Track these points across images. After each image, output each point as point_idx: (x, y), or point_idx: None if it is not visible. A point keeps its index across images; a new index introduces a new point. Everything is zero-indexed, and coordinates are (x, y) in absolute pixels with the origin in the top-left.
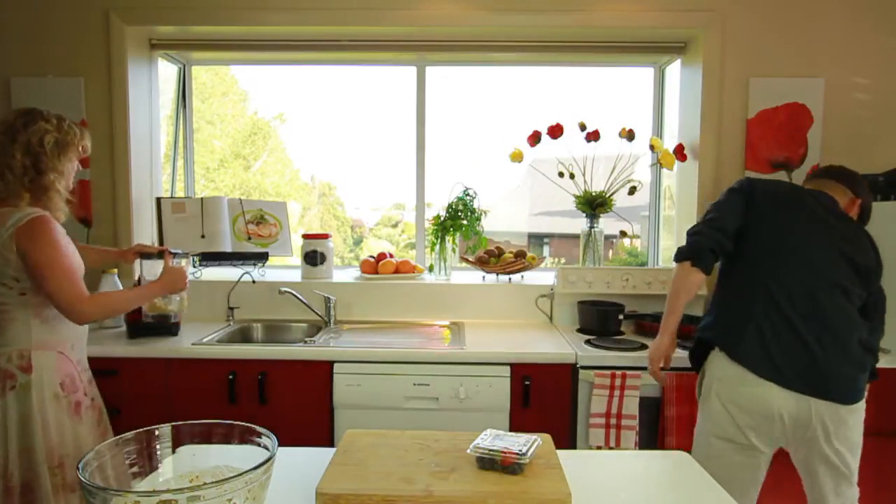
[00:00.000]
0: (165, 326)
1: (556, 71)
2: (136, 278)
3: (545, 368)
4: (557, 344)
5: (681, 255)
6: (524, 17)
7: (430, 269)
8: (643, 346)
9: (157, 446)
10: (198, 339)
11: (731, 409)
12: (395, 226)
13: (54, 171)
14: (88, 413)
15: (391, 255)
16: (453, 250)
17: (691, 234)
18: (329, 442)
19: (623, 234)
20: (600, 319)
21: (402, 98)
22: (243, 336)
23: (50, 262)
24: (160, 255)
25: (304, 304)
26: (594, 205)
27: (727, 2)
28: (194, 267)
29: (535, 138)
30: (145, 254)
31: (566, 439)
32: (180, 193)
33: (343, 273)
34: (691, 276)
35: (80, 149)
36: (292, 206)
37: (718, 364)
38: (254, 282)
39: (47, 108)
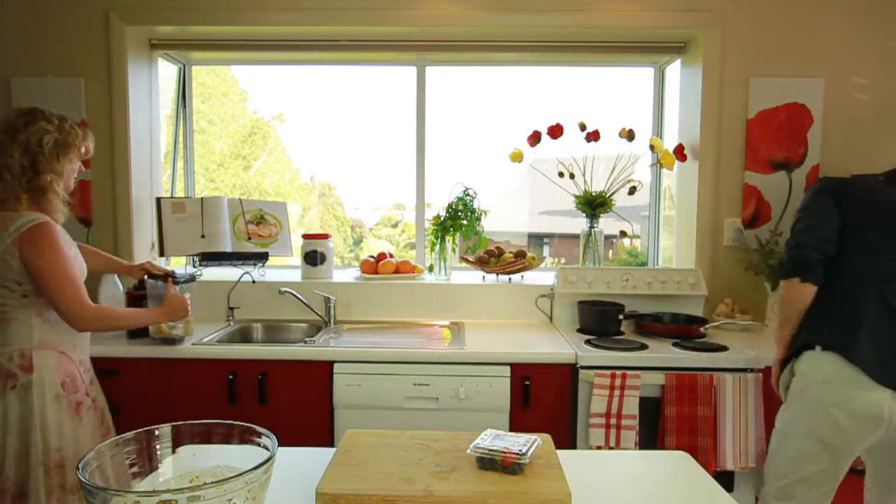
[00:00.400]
0: None
1: (556, 71)
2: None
3: (545, 368)
4: (557, 344)
5: (788, 272)
6: (524, 17)
7: (430, 269)
8: (643, 346)
9: (157, 446)
10: (198, 339)
11: (836, 413)
12: (395, 226)
13: (52, 171)
14: (89, 414)
15: (391, 255)
16: (453, 250)
17: (793, 246)
18: (329, 442)
19: (623, 234)
20: (600, 319)
21: (402, 98)
22: (243, 336)
23: (52, 270)
24: (165, 278)
25: (304, 304)
26: (594, 205)
27: (727, 2)
28: (195, 267)
29: (535, 138)
30: (152, 275)
31: (566, 439)
32: (180, 193)
33: (343, 273)
34: (804, 291)
35: (82, 150)
36: (292, 206)
37: (826, 366)
38: (254, 282)
39: (50, 109)
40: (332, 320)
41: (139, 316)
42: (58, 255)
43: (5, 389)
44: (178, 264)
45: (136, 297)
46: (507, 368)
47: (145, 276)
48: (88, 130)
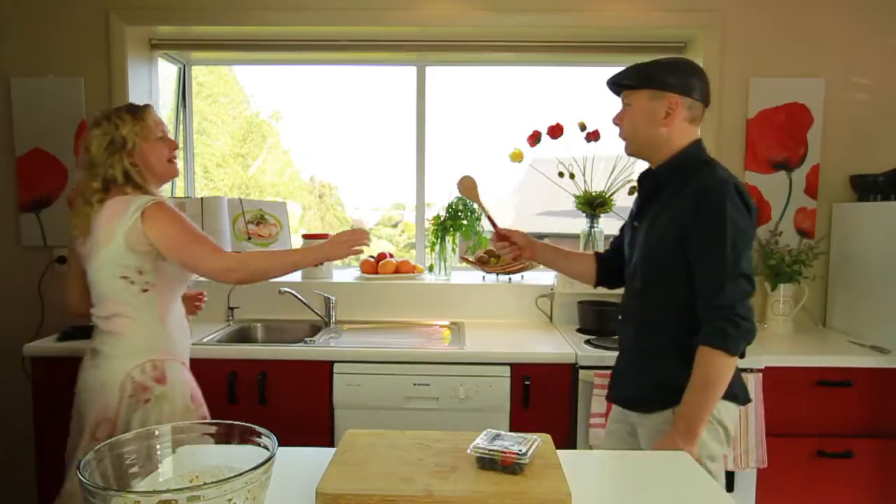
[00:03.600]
0: None
1: (556, 71)
2: None
3: (545, 368)
4: (557, 344)
5: (739, 349)
6: (524, 17)
7: (430, 269)
8: None
9: (157, 446)
10: (198, 339)
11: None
12: (395, 226)
13: (123, 163)
14: None
15: (391, 255)
16: (453, 250)
17: (745, 318)
18: (329, 442)
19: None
20: (600, 319)
21: (402, 98)
22: (243, 336)
23: (183, 232)
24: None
25: (304, 304)
26: (594, 205)
27: (727, 2)
28: None
29: (535, 138)
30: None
31: (566, 439)
32: (180, 193)
33: (343, 273)
34: (733, 367)
35: (153, 130)
36: (292, 206)
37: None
38: None
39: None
40: (332, 320)
41: (291, 256)
42: (183, 221)
43: (139, 403)
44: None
45: None
46: (507, 368)
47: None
48: (147, 109)
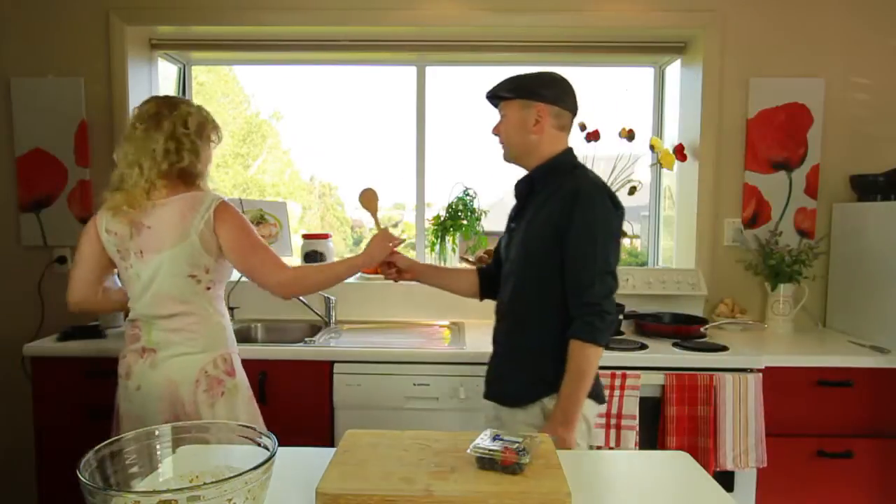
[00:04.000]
0: None
1: (556, 71)
2: None
3: None
4: None
5: (606, 340)
6: (524, 17)
7: None
8: (643, 346)
9: (157, 446)
10: None
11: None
12: (395, 226)
13: (196, 154)
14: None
15: None
16: (453, 250)
17: (610, 312)
18: (329, 442)
19: (623, 234)
20: None
21: (402, 98)
22: (243, 336)
23: (251, 239)
24: None
25: (304, 304)
26: None
27: (727, 2)
28: None
29: None
30: None
31: None
32: None
33: None
34: (600, 356)
35: (214, 136)
36: (292, 206)
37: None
38: None
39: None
40: (332, 320)
41: (336, 270)
42: (249, 225)
43: (215, 397)
44: None
45: None
46: None
47: None
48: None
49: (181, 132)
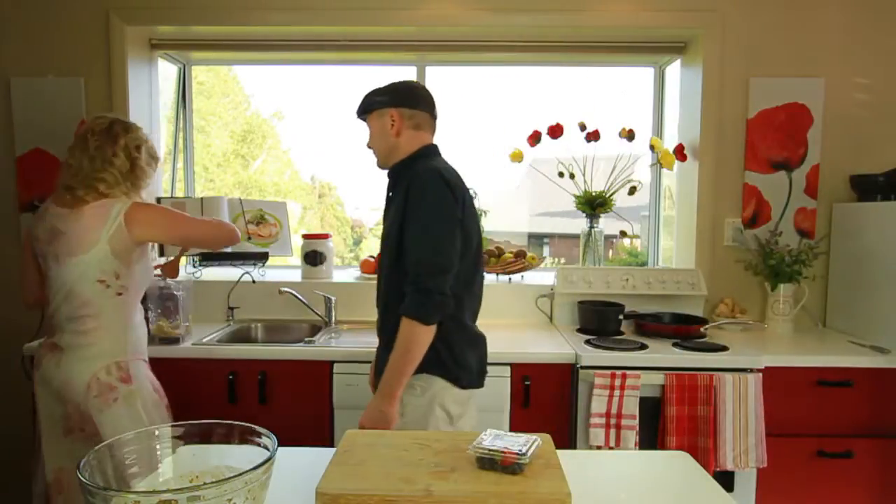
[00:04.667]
0: None
1: (556, 71)
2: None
3: (545, 368)
4: (557, 344)
5: (434, 319)
6: (524, 17)
7: None
8: (643, 346)
9: (157, 446)
10: (198, 339)
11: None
12: None
13: (145, 175)
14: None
15: None
16: None
17: (437, 292)
18: (329, 442)
19: (623, 234)
20: (600, 319)
21: None
22: (243, 336)
23: (170, 214)
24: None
25: (304, 304)
26: (594, 205)
27: (727, 2)
28: (194, 267)
29: (535, 138)
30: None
31: (566, 439)
32: (180, 194)
33: (343, 273)
34: (431, 335)
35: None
36: (292, 206)
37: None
38: (254, 282)
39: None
40: (332, 320)
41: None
42: (166, 210)
43: (107, 402)
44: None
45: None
46: (507, 368)
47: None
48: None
49: (134, 155)
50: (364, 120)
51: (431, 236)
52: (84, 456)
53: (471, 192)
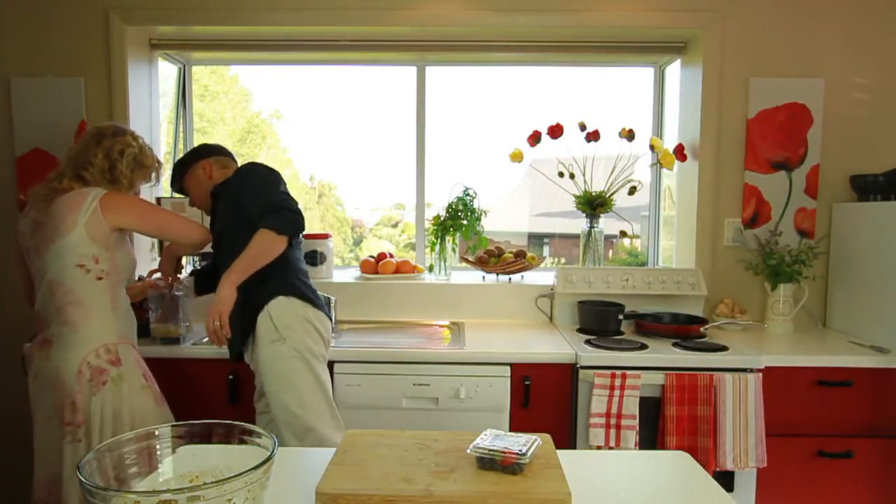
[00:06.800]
0: None
1: (556, 71)
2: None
3: (545, 368)
4: (557, 344)
5: (288, 230)
6: (524, 17)
7: (430, 269)
8: (643, 346)
9: (157, 446)
10: (198, 339)
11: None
12: (395, 226)
13: (126, 180)
14: (165, 404)
15: (391, 255)
16: (453, 250)
17: (297, 211)
18: None
19: (623, 234)
20: (600, 319)
21: (402, 98)
22: None
23: (146, 205)
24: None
25: None
26: (594, 205)
27: (727, 2)
28: (195, 267)
29: (535, 138)
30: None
31: (566, 439)
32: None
33: (343, 273)
34: (282, 246)
35: (152, 175)
36: None
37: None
38: None
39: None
40: (332, 320)
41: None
42: (142, 201)
43: (99, 386)
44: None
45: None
46: (507, 368)
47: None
48: (162, 164)
49: (115, 157)
50: (181, 187)
51: (268, 181)
52: (78, 458)
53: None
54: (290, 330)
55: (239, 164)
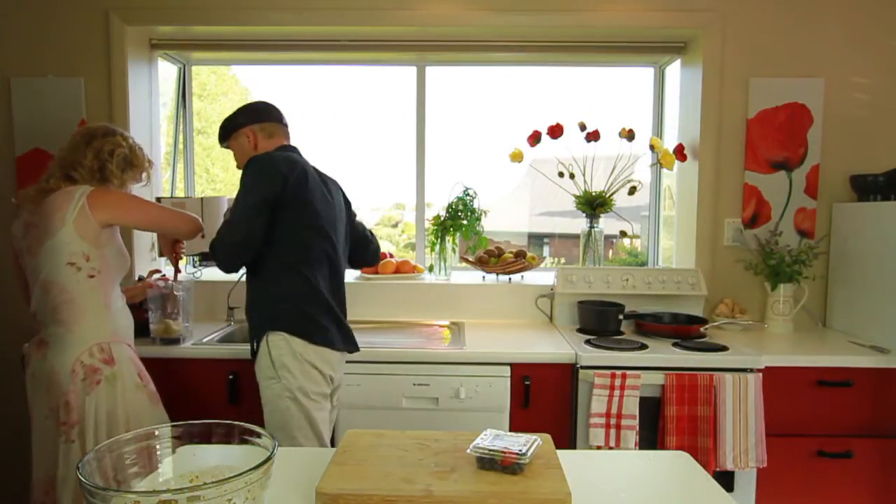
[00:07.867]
0: None
1: (556, 71)
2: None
3: (545, 368)
4: (557, 344)
5: (214, 255)
6: (524, 17)
7: (430, 269)
8: (643, 346)
9: (157, 446)
10: (198, 339)
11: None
12: (395, 226)
13: (116, 179)
14: (160, 404)
15: (391, 255)
16: (453, 250)
17: (229, 244)
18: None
19: (623, 234)
20: (600, 319)
21: (402, 98)
22: (243, 336)
23: (140, 200)
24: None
25: None
26: (594, 205)
27: (727, 2)
28: (195, 267)
29: (535, 138)
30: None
31: (566, 439)
32: (180, 194)
33: None
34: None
35: (143, 175)
36: None
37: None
38: None
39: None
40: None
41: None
42: (131, 196)
43: (92, 384)
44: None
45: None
46: (507, 368)
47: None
48: (154, 164)
49: (105, 158)
50: (227, 146)
51: (242, 194)
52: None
53: (319, 176)
54: (286, 370)
55: (289, 133)
